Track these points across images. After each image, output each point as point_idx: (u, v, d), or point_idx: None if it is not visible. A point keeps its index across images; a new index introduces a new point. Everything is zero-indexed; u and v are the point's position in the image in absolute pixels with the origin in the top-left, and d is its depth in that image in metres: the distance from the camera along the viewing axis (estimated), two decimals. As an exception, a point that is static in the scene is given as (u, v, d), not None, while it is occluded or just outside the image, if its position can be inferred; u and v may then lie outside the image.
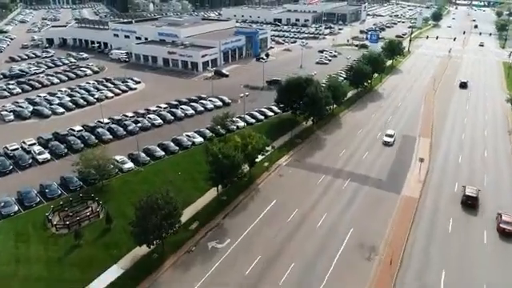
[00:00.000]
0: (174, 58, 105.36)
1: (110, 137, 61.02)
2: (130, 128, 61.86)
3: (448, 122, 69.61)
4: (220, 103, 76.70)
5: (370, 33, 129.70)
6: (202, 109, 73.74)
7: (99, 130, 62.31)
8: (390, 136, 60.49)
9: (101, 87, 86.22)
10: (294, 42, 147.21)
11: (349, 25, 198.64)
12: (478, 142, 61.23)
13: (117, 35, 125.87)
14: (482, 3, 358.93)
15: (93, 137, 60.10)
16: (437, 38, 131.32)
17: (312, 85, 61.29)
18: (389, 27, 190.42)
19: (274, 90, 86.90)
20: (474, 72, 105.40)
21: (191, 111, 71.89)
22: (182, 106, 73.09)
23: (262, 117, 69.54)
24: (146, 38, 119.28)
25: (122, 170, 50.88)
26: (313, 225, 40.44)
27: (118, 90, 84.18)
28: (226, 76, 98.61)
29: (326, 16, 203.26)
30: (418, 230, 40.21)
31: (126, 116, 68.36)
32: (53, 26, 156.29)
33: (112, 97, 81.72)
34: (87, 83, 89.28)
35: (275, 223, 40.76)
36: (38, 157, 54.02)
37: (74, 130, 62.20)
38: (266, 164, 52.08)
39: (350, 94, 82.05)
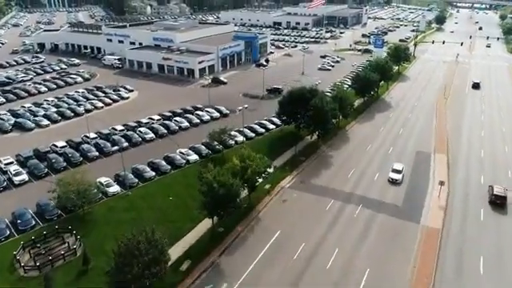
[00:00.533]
0: (169, 65, 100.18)
1: (96, 154, 55.58)
2: (113, 149, 55.43)
3: (463, 135, 64.43)
4: (217, 114, 71.42)
5: (374, 38, 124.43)
6: (198, 121, 68.40)
7: (84, 146, 56.85)
8: (398, 172, 49.60)
9: (90, 97, 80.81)
10: (295, 46, 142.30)
11: (350, 28, 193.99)
12: (500, 159, 55.94)
13: (110, 40, 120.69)
14: (484, 6, 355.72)
15: (77, 154, 54.67)
16: (443, 42, 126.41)
17: (317, 96, 56.10)
18: (391, 31, 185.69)
19: (275, 98, 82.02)
20: (484, 79, 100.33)
21: (186, 124, 66.53)
22: (176, 118, 67.73)
23: (263, 130, 64.26)
24: (141, 43, 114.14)
25: (107, 194, 45.55)
26: (322, 264, 35.00)
27: (108, 100, 78.80)
28: (224, 83, 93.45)
29: (327, 19, 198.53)
30: (445, 271, 34.76)
31: (115, 130, 62.99)
32: (45, 30, 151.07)
33: (102, 107, 76.34)
34: (76, 92, 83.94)
35: (279, 262, 35.33)
36: (15, 178, 48.53)
37: (56, 147, 56.70)
38: (267, 186, 46.76)
39: (356, 104, 77.12)
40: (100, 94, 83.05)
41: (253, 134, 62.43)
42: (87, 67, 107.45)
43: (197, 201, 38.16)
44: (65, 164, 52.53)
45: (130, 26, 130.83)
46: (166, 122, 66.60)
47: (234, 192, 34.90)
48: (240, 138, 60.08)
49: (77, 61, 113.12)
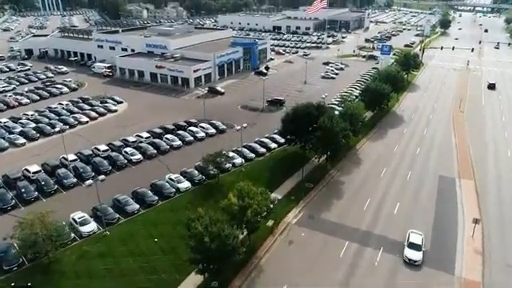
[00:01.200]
0: (162, 73, 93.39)
1: (74, 180, 48.59)
2: (87, 183, 46.53)
3: (488, 154, 57.59)
4: (213, 130, 64.54)
5: (381, 44, 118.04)
6: (192, 138, 61.53)
7: (61, 171, 49.91)
8: (417, 248, 35.85)
9: (75, 110, 73.99)
10: (296, 52, 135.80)
11: (352, 33, 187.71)
12: (533, 184, 49.35)
13: (101, 46, 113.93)
14: (485, 9, 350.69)
15: (51, 182, 47.73)
16: (453, 48, 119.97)
17: (325, 114, 49.32)
18: (394, 35, 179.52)
19: (276, 111, 75.72)
20: (500, 88, 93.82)
21: (178, 142, 59.64)
22: (168, 136, 60.81)
23: (264, 149, 57.40)
24: (133, 50, 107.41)
25: (81, 234, 38.63)
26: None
27: (94, 114, 71.86)
28: (221, 94, 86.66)
29: (329, 23, 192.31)
30: None
31: (98, 150, 56.09)
32: (34, 36, 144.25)
33: (87, 122, 69.40)
34: (60, 104, 77.06)
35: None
36: (-27, 213, 41.81)
37: (29, 172, 49.77)
38: (270, 223, 39.84)
39: (365, 117, 70.57)
40: (86, 106, 76.11)
41: (252, 155, 55.51)
42: (75, 75, 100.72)
43: (186, 243, 31.22)
44: (36, 194, 45.61)
45: (122, 31, 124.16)
46: (156, 140, 59.71)
47: (230, 248, 27.95)
48: (238, 160, 53.24)
49: (64, 68, 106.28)
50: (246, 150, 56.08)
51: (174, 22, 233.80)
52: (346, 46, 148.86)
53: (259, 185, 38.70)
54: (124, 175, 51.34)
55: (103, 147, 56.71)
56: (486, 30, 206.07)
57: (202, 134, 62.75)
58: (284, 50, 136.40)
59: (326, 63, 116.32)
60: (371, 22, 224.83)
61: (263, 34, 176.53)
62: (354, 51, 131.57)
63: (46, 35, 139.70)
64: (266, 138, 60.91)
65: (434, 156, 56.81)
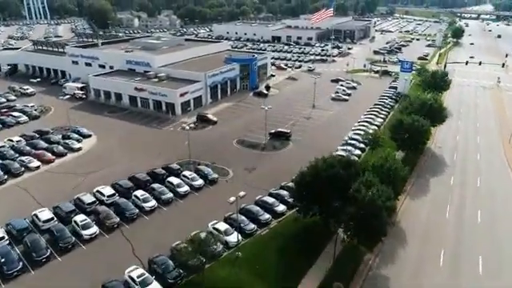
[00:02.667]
0: (143, 97, 78.01)
1: (-11, 278, 33.02)
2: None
3: None
4: (200, 181, 48.76)
5: (392, 56, 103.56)
6: (171, 195, 45.84)
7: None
8: None
9: (26, 149, 58.18)
10: (299, 66, 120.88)
11: (358, 43, 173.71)
12: None
13: (76, 62, 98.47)
14: (488, 16, 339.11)
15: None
16: (480, 63, 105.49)
17: (358, 176, 33.96)
18: (404, 46, 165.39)
19: (282, 148, 60.53)
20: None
21: (151, 203, 43.89)
22: (138, 193, 45.04)
23: (268, 216, 41.72)
24: (112, 67, 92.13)
25: None
26: None
27: (49, 155, 56.10)
28: (214, 123, 71.20)
29: (333, 33, 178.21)
30: None
31: (38, 219, 40.28)
32: (4, 49, 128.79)
33: (38, 167, 53.57)
34: (10, 141, 61.15)
35: None
36: None
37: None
38: None
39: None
40: (42, 143, 60.49)
41: (252, 226, 39.84)
42: (42, 98, 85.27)
43: None
44: None
45: (102, 44, 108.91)
46: (122, 200, 43.95)
47: None
48: (233, 239, 37.50)
49: (31, 89, 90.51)
50: (243, 217, 40.41)
51: (166, 32, 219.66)
52: (352, 58, 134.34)
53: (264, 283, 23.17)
54: (70, 263, 35.58)
55: (46, 214, 40.88)
56: (499, 36, 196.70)
57: (184, 189, 46.92)
58: (286, 64, 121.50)
59: (335, 81, 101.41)
60: (376, 31, 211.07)
61: (262, 44, 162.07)
62: (364, 66, 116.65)
63: (16, 48, 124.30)
64: (271, 194, 45.42)
65: (504, 226, 41.28)
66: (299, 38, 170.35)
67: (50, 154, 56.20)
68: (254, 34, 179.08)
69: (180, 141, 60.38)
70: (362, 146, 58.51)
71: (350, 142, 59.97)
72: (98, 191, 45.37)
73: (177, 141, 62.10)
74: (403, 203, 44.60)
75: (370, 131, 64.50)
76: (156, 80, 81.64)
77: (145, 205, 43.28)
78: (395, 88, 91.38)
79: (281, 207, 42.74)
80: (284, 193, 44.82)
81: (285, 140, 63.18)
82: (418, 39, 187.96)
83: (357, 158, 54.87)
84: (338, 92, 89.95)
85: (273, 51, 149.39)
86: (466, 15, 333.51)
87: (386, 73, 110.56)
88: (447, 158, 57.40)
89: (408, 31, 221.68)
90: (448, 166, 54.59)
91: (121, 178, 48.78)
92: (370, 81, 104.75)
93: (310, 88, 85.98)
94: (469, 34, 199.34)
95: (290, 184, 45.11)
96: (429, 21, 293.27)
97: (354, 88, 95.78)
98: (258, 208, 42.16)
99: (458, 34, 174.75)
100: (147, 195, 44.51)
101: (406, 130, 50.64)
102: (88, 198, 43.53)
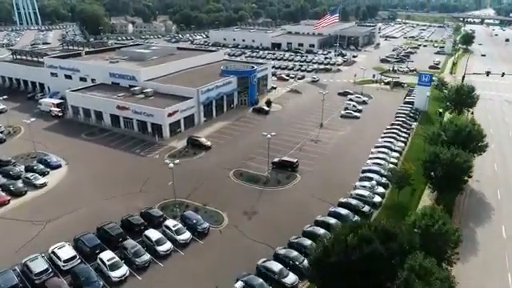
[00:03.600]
0: (126, 117, 67.96)
1: None
2: None
3: None
4: (186, 235, 38.36)
5: (419, 73, 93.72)
6: (147, 258, 35.45)
7: None
8: None
9: (-22, 186, 48.03)
10: (302, 77, 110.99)
11: (362, 50, 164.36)
12: None
13: (55, 74, 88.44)
14: (492, 21, 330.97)
15: None
16: (503, 75, 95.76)
17: (408, 260, 23.94)
18: (412, 53, 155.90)
19: (287, 184, 50.40)
20: None
21: (121, 271, 33.45)
22: (104, 256, 34.44)
23: (276, 290, 31.67)
24: (94, 80, 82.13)
25: None
26: None
27: (3, 196, 45.74)
28: (207, 148, 61.14)
29: (335, 39, 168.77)
30: None
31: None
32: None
33: (-13, 212, 43.57)
34: (-40, 174, 51.12)
35: None
36: None
37: None
38: None
39: (427, 198, 45.35)
40: (-1, 177, 50.36)
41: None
42: (15, 115, 75.11)
43: None
44: None
45: (87, 53, 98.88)
46: (82, 267, 33.62)
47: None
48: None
49: (1, 106, 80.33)
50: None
51: (160, 38, 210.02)
52: (359, 67, 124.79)
53: None
54: None
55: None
56: (507, 40, 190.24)
57: (166, 247, 36.63)
58: (288, 75, 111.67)
59: (343, 94, 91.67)
60: (380, 37, 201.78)
61: (261, 52, 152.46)
62: (373, 76, 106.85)
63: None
64: (278, 256, 35.18)
65: None
66: (300, 44, 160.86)
67: (4, 194, 45.94)
68: (253, 41, 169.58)
69: (166, 174, 50.23)
70: (384, 179, 48.61)
71: (368, 174, 50.01)
72: (53, 252, 35.07)
73: (162, 174, 51.78)
74: (451, 271, 34.36)
75: (392, 160, 54.96)
76: (142, 96, 71.64)
77: (112, 274, 33.03)
78: (411, 104, 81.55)
79: (290, 278, 32.51)
80: (294, 254, 34.69)
81: (291, 171, 53.17)
82: (425, 45, 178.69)
83: (380, 199, 45.27)
84: (347, 108, 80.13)
85: (273, 59, 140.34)
86: (469, 20, 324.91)
87: (397, 84, 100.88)
88: (490, 196, 47.29)
89: (413, 37, 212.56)
90: (493, 210, 44.39)
91: (86, 230, 38.53)
92: (381, 94, 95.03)
93: (316, 102, 76.19)
94: (478, 41, 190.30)
95: (304, 242, 35.33)
96: (432, 26, 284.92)
97: (364, 103, 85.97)
98: (260, 281, 31.85)
99: (467, 40, 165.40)
100: (116, 259, 34.22)
101: (443, 166, 40.60)
102: (38, 265, 33.19)
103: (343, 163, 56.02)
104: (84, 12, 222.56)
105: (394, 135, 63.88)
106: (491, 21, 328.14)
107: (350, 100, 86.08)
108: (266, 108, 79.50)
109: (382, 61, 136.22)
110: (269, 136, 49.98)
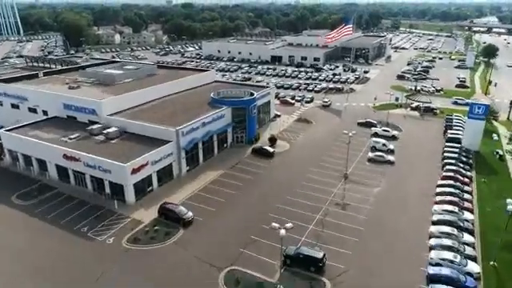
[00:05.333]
0: (77, 170, 48.68)
1: None
2: None
3: None
4: None
5: (469, 102, 75.30)
6: None
7: None
8: None
9: None
10: (311, 100, 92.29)
11: (373, 64, 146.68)
12: None
13: (0, 103, 69.29)
14: (499, 29, 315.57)
15: None
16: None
17: None
18: (429, 67, 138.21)
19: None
20: None
21: None
22: None
23: None
24: (46, 112, 62.97)
25: None
26: None
27: None
28: (187, 223, 41.53)
29: (343, 52, 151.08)
30: None
31: None
32: None
33: None
34: None
35: None
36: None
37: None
38: None
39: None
40: None
41: None
42: None
43: None
44: None
45: (44, 74, 79.49)
46: None
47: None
48: None
49: None
50: None
51: (149, 49, 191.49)
52: (373, 85, 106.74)
53: None
54: None
55: None
56: None
57: None
58: (293, 97, 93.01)
59: (364, 124, 73.13)
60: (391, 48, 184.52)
61: (260, 66, 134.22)
62: (396, 99, 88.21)
63: None
64: None
65: None
66: (304, 58, 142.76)
67: None
68: (250, 54, 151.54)
69: (121, 271, 30.88)
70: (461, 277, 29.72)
71: (442, 274, 31.05)
72: None
73: (114, 272, 32.63)
74: None
75: (467, 250, 36.02)
76: (102, 139, 52.49)
77: None
78: (458, 141, 62.82)
79: None
80: None
81: (315, 271, 34.00)
82: (440, 58, 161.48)
83: None
84: (375, 147, 61.43)
85: (273, 75, 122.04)
86: (475, 29, 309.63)
87: (428, 110, 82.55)
88: None
89: (423, 48, 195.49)
90: None
91: None
92: (411, 123, 76.51)
93: (333, 137, 58.41)
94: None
95: None
96: (440, 35, 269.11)
97: (394, 138, 67.37)
98: None
99: (490, 52, 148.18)
100: None
101: None
102: None
103: (391, 251, 37.04)
104: (64, 22, 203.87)
105: (455, 198, 44.99)
106: (502, 30, 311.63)
107: (376, 134, 67.53)
108: (271, 150, 60.44)
109: (399, 77, 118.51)
110: (282, 232, 30.59)
